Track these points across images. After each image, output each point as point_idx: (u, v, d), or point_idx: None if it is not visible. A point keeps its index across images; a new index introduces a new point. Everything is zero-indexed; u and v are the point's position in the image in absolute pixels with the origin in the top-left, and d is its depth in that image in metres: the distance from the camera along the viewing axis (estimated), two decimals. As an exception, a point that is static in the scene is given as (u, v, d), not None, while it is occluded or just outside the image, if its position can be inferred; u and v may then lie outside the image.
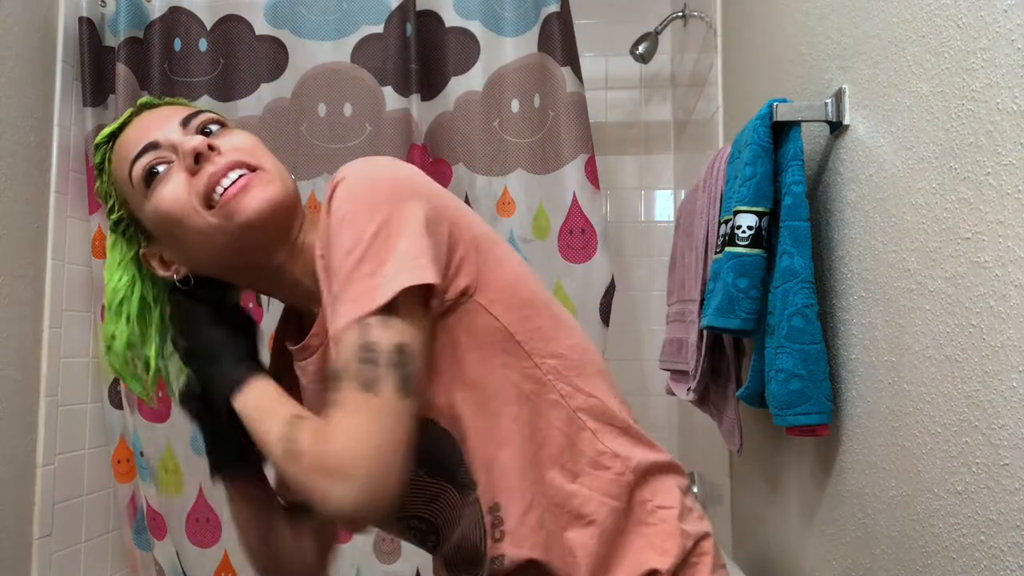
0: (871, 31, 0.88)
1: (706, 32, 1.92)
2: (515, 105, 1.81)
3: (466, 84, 1.83)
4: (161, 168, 0.79)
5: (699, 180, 1.33)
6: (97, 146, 0.85)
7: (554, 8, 1.79)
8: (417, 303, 0.70)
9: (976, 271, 0.66)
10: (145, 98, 0.87)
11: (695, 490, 2.03)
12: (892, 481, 0.82)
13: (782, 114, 0.98)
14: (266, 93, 1.88)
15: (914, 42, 0.77)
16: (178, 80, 1.90)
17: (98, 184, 0.86)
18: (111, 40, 1.90)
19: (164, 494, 1.89)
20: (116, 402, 1.90)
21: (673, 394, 1.51)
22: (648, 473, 0.82)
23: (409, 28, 1.81)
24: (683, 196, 1.55)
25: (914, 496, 0.77)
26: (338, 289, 0.70)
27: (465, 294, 0.75)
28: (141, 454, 1.88)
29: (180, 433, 1.89)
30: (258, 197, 0.76)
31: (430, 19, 1.85)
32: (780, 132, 1.00)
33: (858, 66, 0.92)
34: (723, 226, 1.08)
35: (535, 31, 1.81)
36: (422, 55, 1.82)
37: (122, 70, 1.85)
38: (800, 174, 0.97)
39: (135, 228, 0.86)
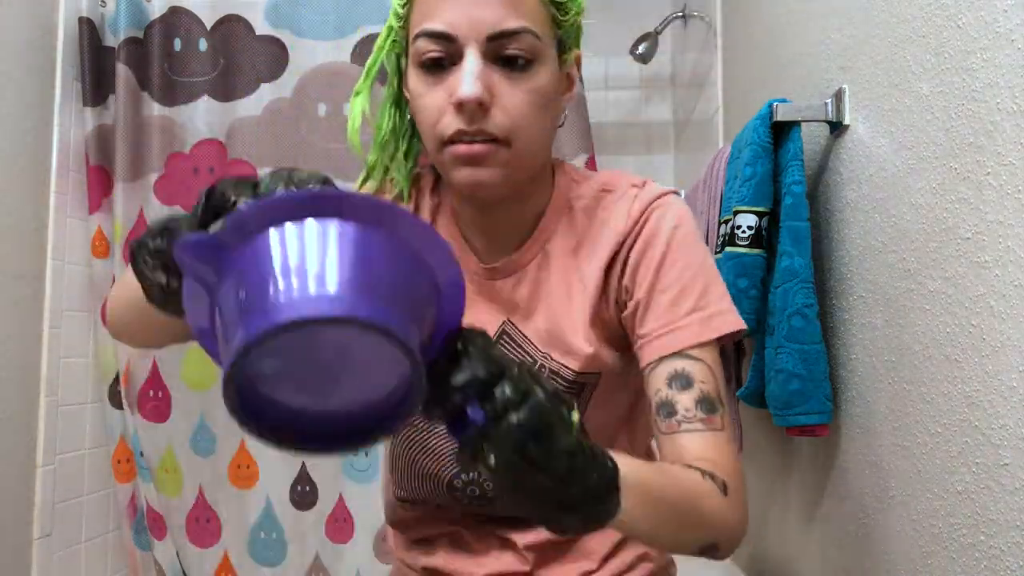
0: (871, 31, 0.88)
1: (706, 32, 1.92)
2: None
3: (466, 84, 1.83)
4: (435, 63, 0.70)
5: (699, 180, 1.33)
6: None
7: (554, 8, 1.79)
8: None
9: (976, 271, 0.66)
10: None
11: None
12: (892, 481, 0.82)
13: (782, 114, 0.98)
14: (266, 93, 1.87)
15: (914, 42, 0.77)
16: (178, 80, 1.90)
17: None
18: (111, 40, 1.90)
19: (164, 494, 1.89)
20: (116, 402, 1.90)
21: (673, 394, 1.50)
22: None
23: (409, 28, 1.80)
24: (683, 196, 1.55)
25: (914, 496, 0.77)
26: (694, 301, 0.74)
27: None
28: (141, 454, 1.88)
29: (180, 433, 1.89)
30: (476, 176, 0.70)
31: (430, 19, 1.84)
32: (780, 132, 1.00)
33: (858, 66, 0.92)
34: (723, 226, 1.08)
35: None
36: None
37: (122, 70, 1.85)
38: (800, 174, 0.97)
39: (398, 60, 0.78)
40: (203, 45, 1.90)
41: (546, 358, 0.79)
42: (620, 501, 0.52)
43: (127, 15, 1.86)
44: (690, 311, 0.73)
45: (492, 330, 0.80)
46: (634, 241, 0.77)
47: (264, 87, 1.88)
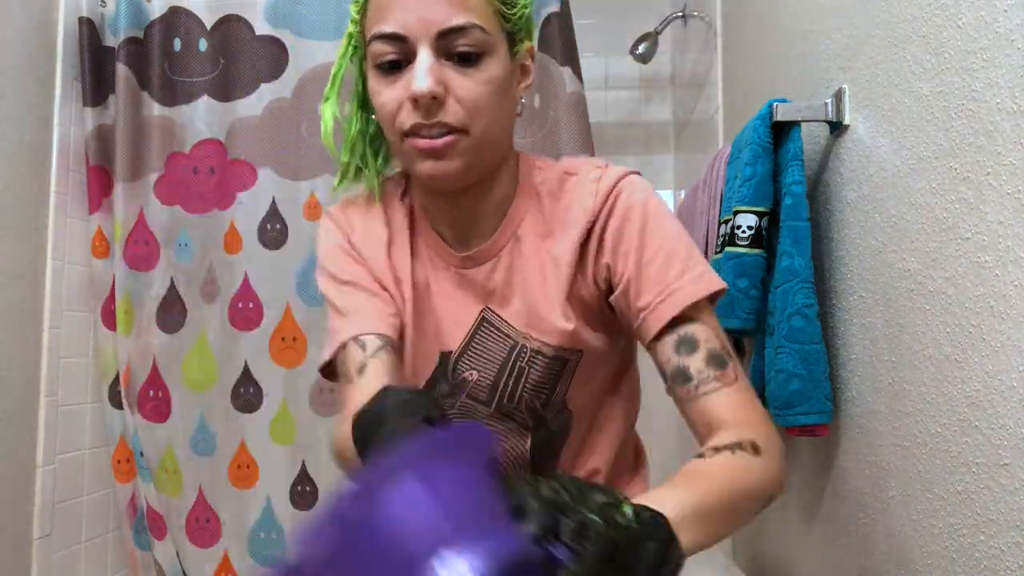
0: (871, 31, 0.88)
1: (706, 32, 1.92)
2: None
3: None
4: (391, 65, 0.74)
5: (699, 180, 1.33)
6: None
7: (554, 8, 1.79)
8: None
9: (976, 271, 0.66)
10: None
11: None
12: (892, 481, 0.82)
13: (782, 114, 0.98)
14: (266, 93, 1.87)
15: (914, 42, 0.77)
16: (178, 80, 1.90)
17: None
18: (111, 40, 1.90)
19: (164, 494, 1.89)
20: (116, 402, 1.90)
21: (673, 394, 1.51)
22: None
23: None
24: (683, 196, 1.55)
25: (914, 496, 0.77)
26: (681, 263, 0.76)
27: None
28: (141, 454, 1.88)
29: (180, 433, 1.89)
30: (438, 168, 0.74)
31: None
32: (780, 132, 1.00)
33: (858, 66, 0.92)
34: (723, 226, 1.08)
35: (535, 31, 1.81)
36: (422, 55, 1.82)
37: (122, 70, 1.85)
38: (800, 174, 0.97)
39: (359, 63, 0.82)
40: (203, 45, 1.90)
41: (526, 338, 0.81)
42: (679, 547, 0.52)
43: (127, 15, 1.86)
44: (680, 274, 0.75)
45: (472, 318, 0.82)
46: (607, 217, 0.79)
47: (264, 87, 1.88)
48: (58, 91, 1.82)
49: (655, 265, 0.76)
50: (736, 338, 1.23)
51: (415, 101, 0.71)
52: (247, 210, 1.84)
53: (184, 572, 1.89)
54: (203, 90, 1.89)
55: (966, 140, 0.67)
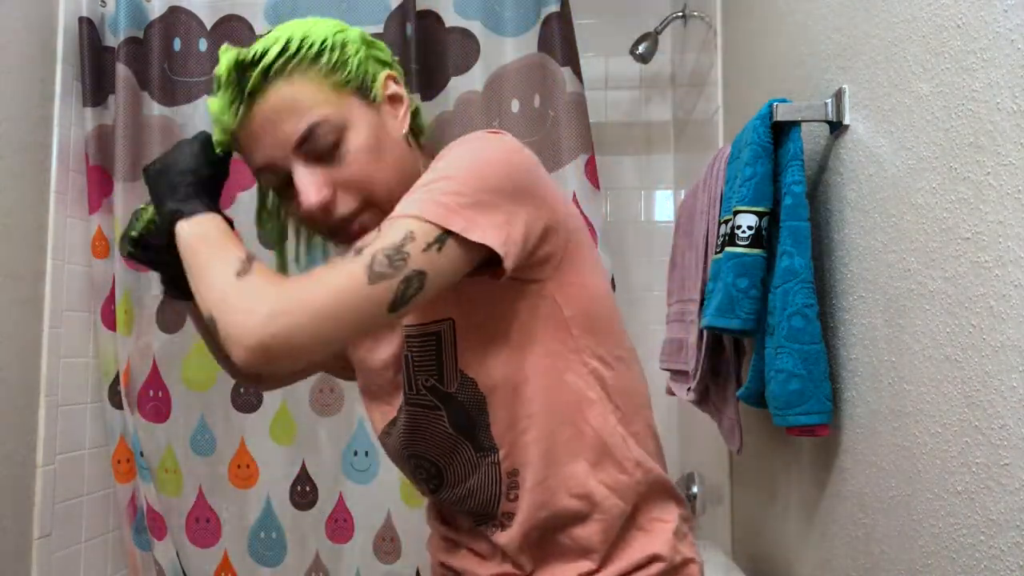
0: (871, 31, 0.88)
1: (706, 32, 1.92)
2: (515, 105, 1.81)
3: (466, 84, 1.83)
4: (283, 187, 0.82)
5: (699, 180, 1.33)
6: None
7: (554, 8, 1.79)
8: (470, 261, 0.73)
9: (976, 271, 0.66)
10: (247, 84, 0.78)
11: (695, 490, 2.03)
12: (892, 481, 0.82)
13: (782, 114, 0.98)
14: (266, 93, 1.88)
15: (914, 42, 0.77)
16: (178, 80, 1.90)
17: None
18: (111, 40, 1.90)
19: (164, 494, 1.89)
20: (116, 402, 1.90)
21: (673, 394, 1.51)
22: (658, 489, 0.87)
23: (409, 28, 1.80)
24: (683, 196, 1.55)
25: (914, 496, 0.77)
26: (426, 181, 0.73)
27: (538, 280, 0.79)
28: (141, 454, 1.88)
29: (180, 433, 1.89)
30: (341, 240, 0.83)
31: (430, 19, 1.85)
32: (780, 132, 1.00)
33: (858, 66, 0.92)
34: (723, 226, 1.08)
35: (535, 31, 1.81)
36: (422, 55, 1.82)
37: (122, 70, 1.85)
38: (800, 174, 0.97)
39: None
40: (203, 45, 1.90)
41: (403, 327, 0.84)
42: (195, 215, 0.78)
43: (127, 15, 1.86)
44: (419, 186, 0.74)
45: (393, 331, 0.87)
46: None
47: (264, 87, 1.88)
48: (58, 91, 1.82)
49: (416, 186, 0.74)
50: (736, 338, 1.23)
51: (314, 212, 0.79)
52: (247, 210, 1.84)
53: (184, 572, 1.89)
54: (203, 90, 1.89)
55: (966, 140, 0.67)
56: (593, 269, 0.84)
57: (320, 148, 0.78)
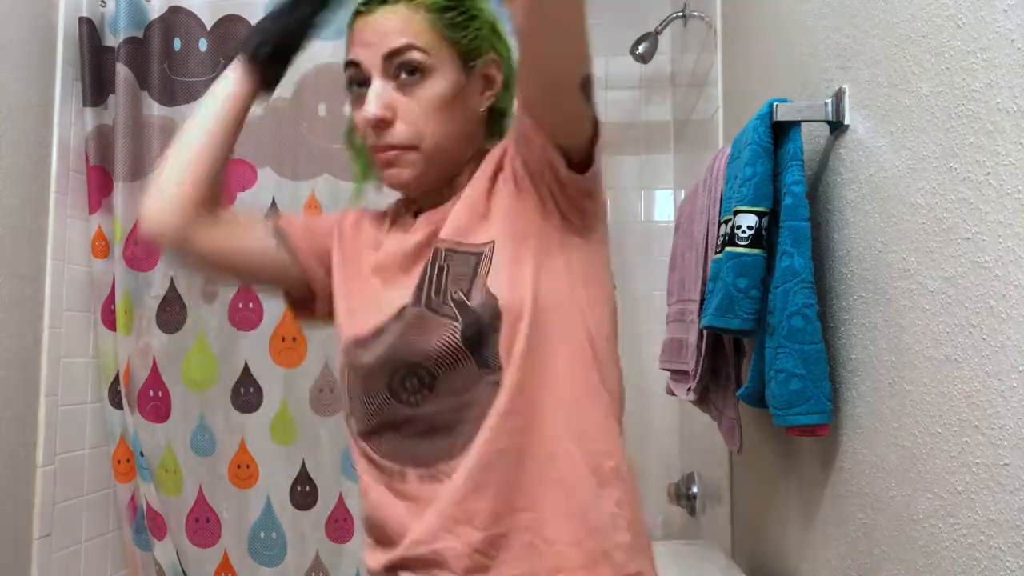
0: (871, 31, 0.88)
1: (706, 32, 1.92)
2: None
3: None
4: (357, 87, 0.88)
5: (699, 180, 1.34)
6: None
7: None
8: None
9: (976, 271, 0.66)
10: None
11: (695, 490, 2.03)
12: (892, 481, 0.82)
13: (782, 114, 0.98)
14: (266, 93, 1.87)
15: (914, 42, 0.77)
16: (178, 80, 1.90)
17: None
18: (111, 40, 1.90)
19: (164, 494, 1.89)
20: (116, 402, 1.90)
21: (673, 394, 1.51)
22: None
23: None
24: (683, 196, 1.55)
25: (914, 496, 0.77)
26: None
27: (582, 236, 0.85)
28: (141, 454, 1.88)
29: (180, 433, 1.89)
30: (392, 176, 0.87)
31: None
32: (780, 132, 1.00)
33: (858, 66, 0.92)
34: (723, 226, 1.08)
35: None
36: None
37: (122, 70, 1.85)
38: (800, 174, 0.97)
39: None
40: (203, 45, 1.90)
41: (441, 243, 0.88)
42: None
43: (127, 15, 1.86)
44: None
45: (428, 255, 0.89)
46: (504, 148, 0.89)
47: (264, 87, 1.88)
48: (58, 91, 1.82)
49: None
50: (736, 338, 1.23)
51: (369, 123, 0.85)
52: (247, 210, 1.85)
53: (184, 572, 1.89)
54: (203, 90, 1.88)
55: (966, 140, 0.67)
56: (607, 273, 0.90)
57: (403, 70, 0.85)
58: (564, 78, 0.76)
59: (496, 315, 0.82)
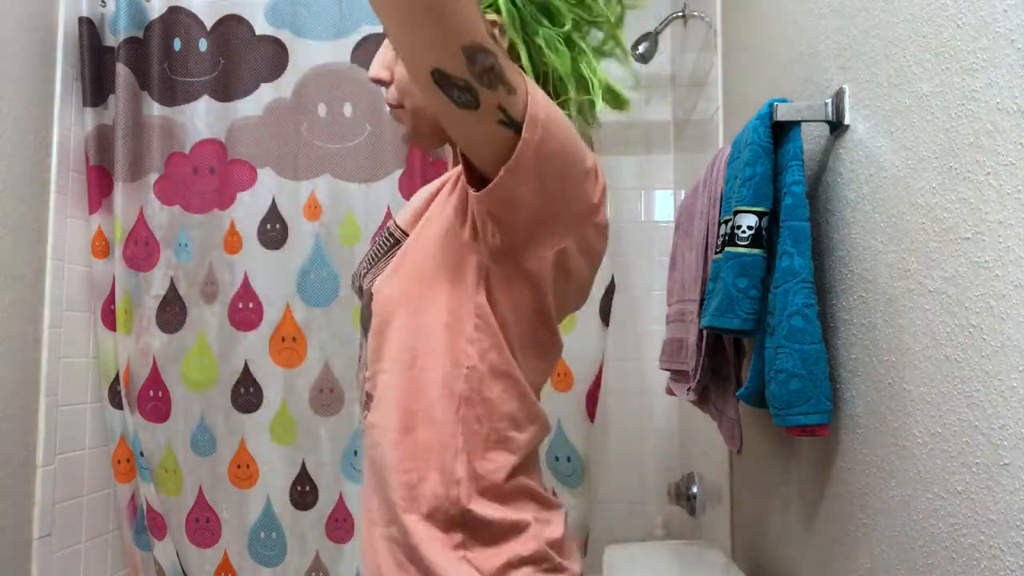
0: (871, 31, 0.88)
1: (706, 32, 1.92)
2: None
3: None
4: None
5: (699, 180, 1.33)
6: None
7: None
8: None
9: (976, 271, 0.66)
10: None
11: (695, 490, 2.03)
12: (892, 481, 0.82)
13: (782, 114, 0.98)
14: (266, 93, 1.88)
15: (914, 42, 0.77)
16: (178, 80, 1.90)
17: None
18: (111, 40, 1.90)
19: (164, 494, 1.89)
20: (116, 402, 1.90)
21: (673, 394, 1.51)
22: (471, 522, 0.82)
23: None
24: (683, 196, 1.55)
25: (914, 496, 0.77)
26: None
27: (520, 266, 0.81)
28: (141, 454, 1.88)
29: (180, 433, 1.89)
30: (399, 128, 0.96)
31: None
32: (780, 132, 1.00)
33: (858, 66, 0.92)
34: (723, 226, 1.08)
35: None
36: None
37: (122, 70, 1.85)
38: (800, 174, 0.97)
39: None
40: (203, 45, 1.90)
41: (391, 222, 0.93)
42: None
43: (127, 15, 1.86)
44: None
45: None
46: None
47: (264, 87, 1.88)
48: (58, 91, 1.82)
49: None
50: (736, 338, 1.23)
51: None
52: (247, 210, 1.85)
53: (184, 572, 1.89)
54: (203, 90, 1.89)
55: (966, 140, 0.67)
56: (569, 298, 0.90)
57: None
58: (415, 73, 0.69)
59: (368, 309, 0.87)
